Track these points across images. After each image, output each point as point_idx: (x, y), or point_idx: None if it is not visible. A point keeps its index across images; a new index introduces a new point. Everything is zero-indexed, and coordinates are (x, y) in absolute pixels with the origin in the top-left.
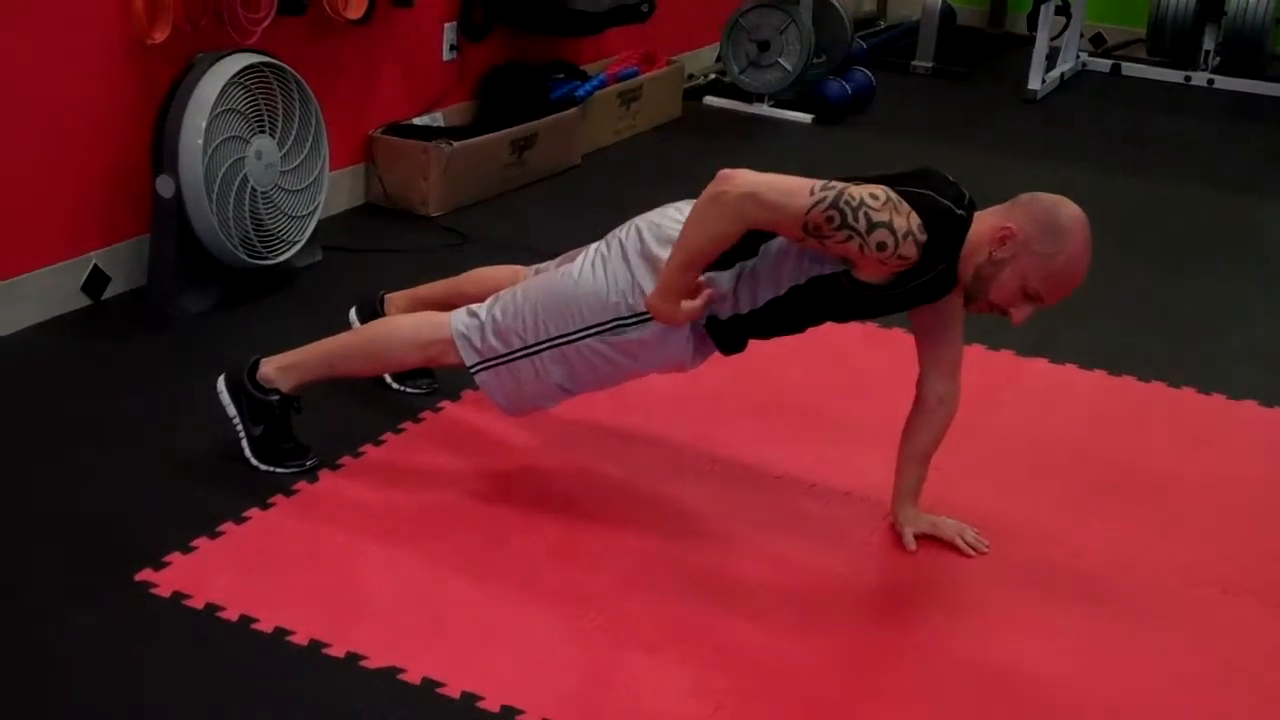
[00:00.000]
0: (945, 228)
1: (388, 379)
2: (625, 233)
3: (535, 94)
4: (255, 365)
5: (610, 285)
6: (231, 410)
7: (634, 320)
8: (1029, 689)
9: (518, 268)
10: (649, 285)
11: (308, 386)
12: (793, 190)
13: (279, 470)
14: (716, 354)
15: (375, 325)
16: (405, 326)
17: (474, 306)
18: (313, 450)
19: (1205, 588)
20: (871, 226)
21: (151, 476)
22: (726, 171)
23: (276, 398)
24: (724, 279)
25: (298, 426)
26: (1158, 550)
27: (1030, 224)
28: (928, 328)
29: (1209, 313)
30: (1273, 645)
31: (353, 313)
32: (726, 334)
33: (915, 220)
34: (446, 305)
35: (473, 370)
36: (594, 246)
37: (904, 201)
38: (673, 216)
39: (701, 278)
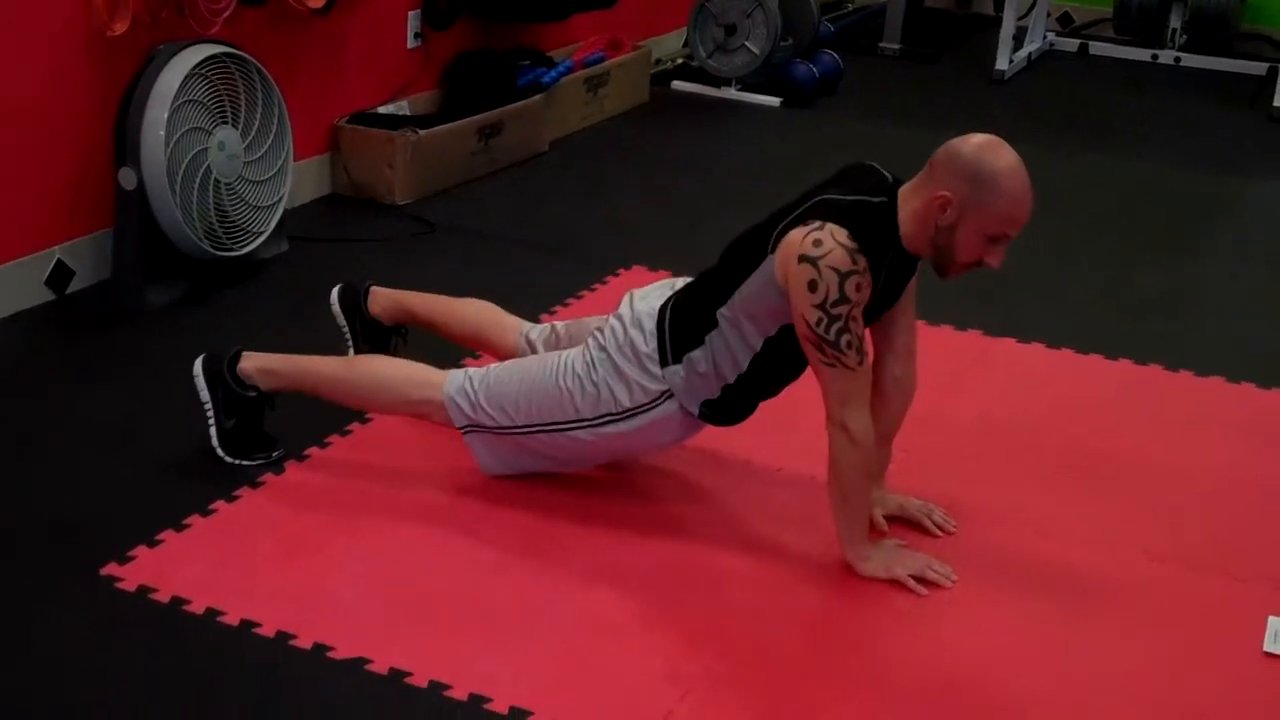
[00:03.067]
0: (867, 221)
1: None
2: (602, 341)
3: (501, 81)
4: (236, 357)
5: (601, 386)
6: (205, 396)
7: (623, 415)
8: (995, 670)
9: (510, 320)
10: (636, 376)
11: (283, 392)
12: (856, 372)
13: (245, 463)
14: None
15: (366, 365)
16: (398, 379)
17: (469, 373)
18: (279, 443)
19: (1173, 565)
20: (842, 294)
21: (117, 470)
22: (839, 421)
23: (254, 394)
24: (699, 358)
25: (265, 418)
26: (1124, 527)
27: (959, 182)
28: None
29: (1175, 291)
30: (1239, 620)
31: (334, 295)
32: (726, 409)
33: (841, 234)
34: (427, 324)
35: (462, 430)
36: (582, 349)
37: (836, 228)
38: (641, 320)
39: (681, 370)
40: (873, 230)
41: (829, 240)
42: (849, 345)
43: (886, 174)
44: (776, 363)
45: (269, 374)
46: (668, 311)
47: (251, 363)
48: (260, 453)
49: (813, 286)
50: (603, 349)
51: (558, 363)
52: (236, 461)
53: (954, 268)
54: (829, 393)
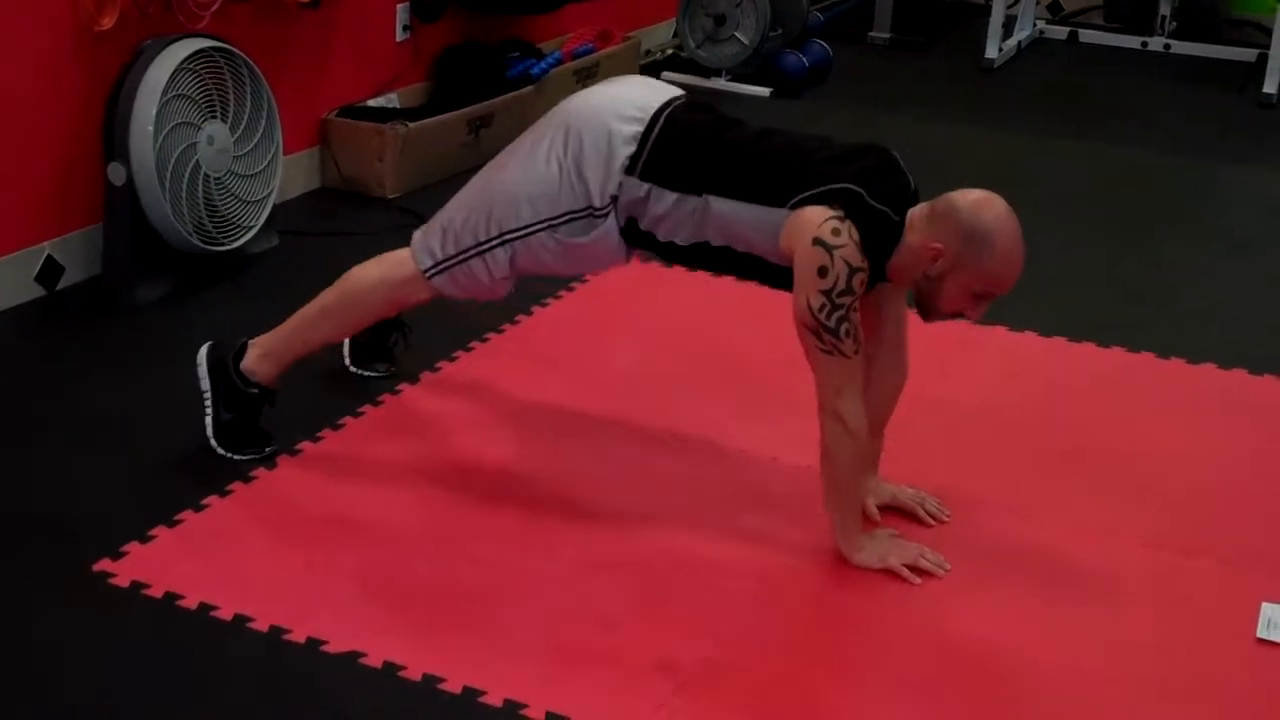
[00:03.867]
0: (881, 239)
1: (346, 362)
2: (576, 125)
3: (491, 73)
4: (243, 351)
5: (560, 181)
6: (205, 385)
7: (583, 214)
8: (989, 658)
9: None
10: (594, 182)
11: (288, 368)
12: (852, 360)
13: (236, 457)
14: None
15: (341, 288)
16: (376, 281)
17: (429, 222)
18: (273, 438)
19: (1167, 552)
20: (849, 286)
21: (109, 466)
22: (832, 410)
23: (256, 391)
24: (658, 200)
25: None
26: (1118, 515)
27: (954, 239)
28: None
29: (1168, 278)
30: (1232, 606)
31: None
32: (639, 239)
33: (856, 235)
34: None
35: (428, 273)
36: (540, 134)
37: (854, 228)
38: (633, 104)
39: (641, 189)
40: (879, 249)
41: (846, 235)
42: (847, 333)
43: (909, 181)
44: (712, 259)
45: (266, 357)
46: (661, 121)
47: (253, 354)
48: (253, 448)
49: (823, 273)
50: (568, 136)
51: (512, 155)
52: (229, 455)
53: (934, 313)
54: (824, 381)
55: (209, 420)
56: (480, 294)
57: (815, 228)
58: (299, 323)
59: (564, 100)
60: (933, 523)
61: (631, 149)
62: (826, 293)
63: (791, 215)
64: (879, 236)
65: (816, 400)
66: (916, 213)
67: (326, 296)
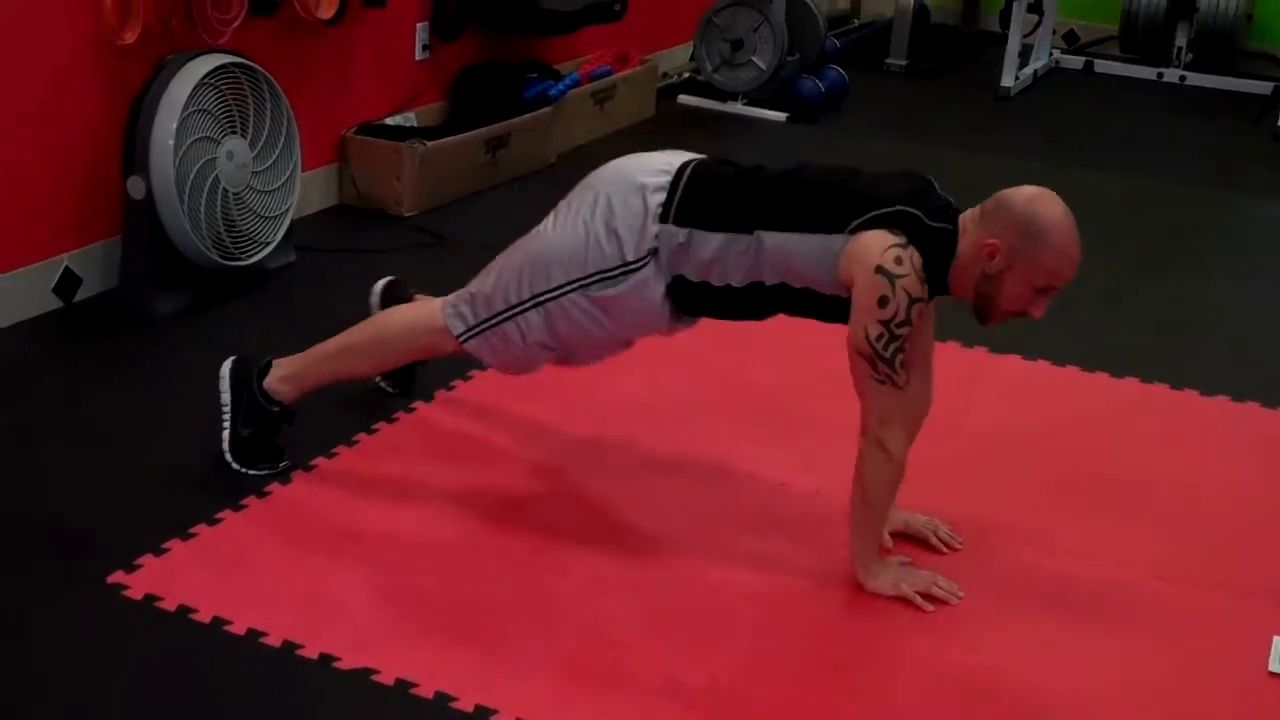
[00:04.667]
0: (938, 255)
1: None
2: (604, 188)
3: (508, 93)
4: (267, 369)
5: (590, 240)
6: (226, 399)
7: (617, 272)
8: (998, 686)
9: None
10: (629, 228)
11: (308, 393)
12: (903, 391)
13: (251, 472)
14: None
15: (373, 321)
16: (403, 327)
17: (463, 290)
18: (286, 454)
19: (1179, 583)
20: (908, 318)
21: (123, 478)
22: (876, 438)
23: (278, 409)
24: (706, 243)
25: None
26: (1131, 546)
27: (1011, 232)
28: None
29: (1181, 309)
30: (1243, 639)
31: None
32: (688, 300)
33: (918, 261)
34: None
35: (461, 339)
36: (569, 203)
37: (917, 254)
38: (655, 164)
39: (680, 234)
40: (938, 266)
41: (908, 264)
42: (901, 365)
43: (948, 198)
44: (768, 301)
45: (290, 380)
46: (688, 172)
47: (276, 374)
48: (266, 463)
49: (883, 303)
50: (596, 198)
51: (547, 222)
52: (243, 470)
53: (996, 315)
54: (871, 409)
55: (226, 434)
56: (519, 363)
57: (878, 255)
58: (325, 354)
59: (590, 174)
60: (945, 550)
61: (662, 196)
62: (886, 323)
63: (851, 241)
64: (940, 254)
65: (860, 425)
66: (966, 217)
67: (355, 335)
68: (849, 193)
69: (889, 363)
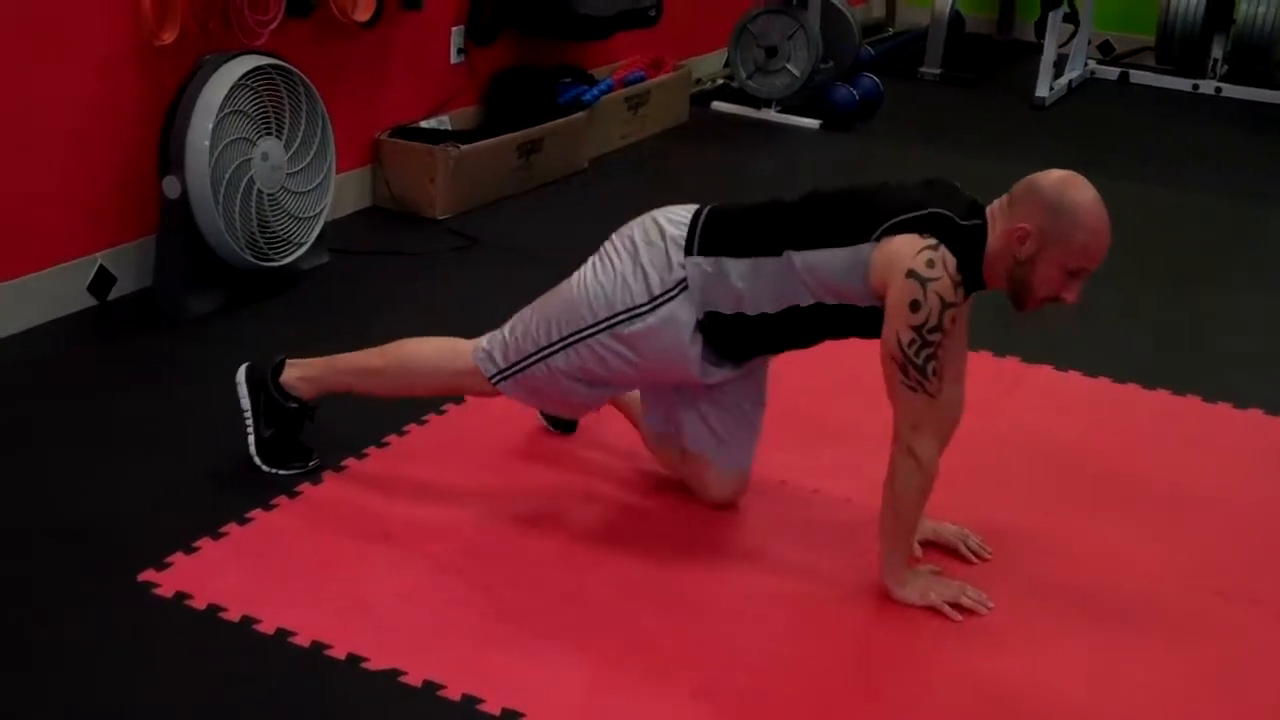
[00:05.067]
0: (971, 251)
1: None
2: (628, 232)
3: (542, 98)
4: (280, 367)
5: (617, 279)
6: (246, 404)
7: (640, 310)
8: (1027, 698)
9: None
10: (654, 265)
11: (327, 396)
12: (935, 398)
13: (281, 472)
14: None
15: (397, 352)
16: (431, 359)
17: (495, 332)
18: (315, 452)
19: (1206, 596)
20: (940, 323)
21: (154, 477)
22: (907, 445)
23: (295, 405)
24: (734, 270)
25: (304, 429)
26: (1159, 558)
27: (1040, 215)
28: None
29: (1215, 321)
30: (1273, 653)
31: None
32: (724, 337)
33: (952, 263)
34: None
35: (494, 380)
36: (599, 252)
37: (949, 255)
38: (674, 210)
39: (707, 264)
40: (971, 264)
41: (940, 266)
42: (934, 371)
43: (972, 197)
44: (807, 325)
45: (308, 380)
46: (705, 211)
47: (293, 372)
48: (296, 462)
49: (915, 307)
50: (622, 243)
51: (576, 273)
52: (272, 470)
53: (1031, 301)
54: (903, 416)
55: (251, 438)
56: (555, 405)
57: (909, 259)
58: (346, 366)
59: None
60: (974, 560)
61: (684, 230)
62: (918, 328)
63: (880, 246)
64: (973, 249)
65: (893, 432)
66: (994, 207)
67: (376, 359)
68: (874, 202)
69: (920, 369)
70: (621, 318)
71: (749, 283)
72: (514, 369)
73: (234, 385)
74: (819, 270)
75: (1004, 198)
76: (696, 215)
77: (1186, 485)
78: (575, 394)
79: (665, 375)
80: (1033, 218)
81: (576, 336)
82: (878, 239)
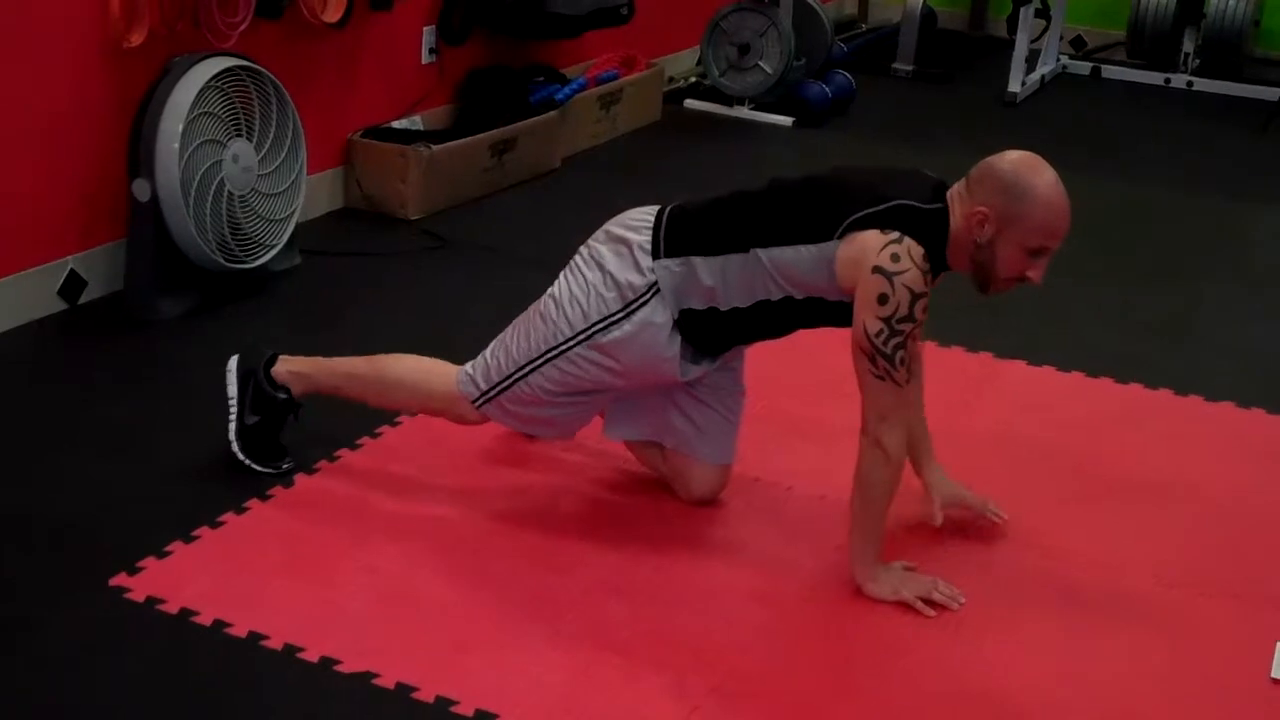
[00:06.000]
0: (935, 237)
1: None
2: (594, 244)
3: (515, 97)
4: (273, 360)
5: (590, 291)
6: (232, 391)
7: (614, 318)
8: (1002, 692)
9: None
10: (623, 272)
11: (313, 396)
12: (902, 389)
13: (256, 467)
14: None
15: (387, 364)
16: (419, 379)
17: (477, 358)
18: (290, 456)
19: (1182, 589)
20: (910, 313)
21: (126, 481)
22: (874, 435)
23: (284, 396)
24: (704, 267)
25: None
26: (1135, 552)
27: (996, 196)
28: None
29: (1187, 315)
30: (1247, 645)
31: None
32: (700, 332)
33: (918, 253)
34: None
35: (476, 404)
36: (568, 268)
37: (915, 245)
38: (634, 216)
39: (675, 265)
40: (937, 247)
41: (907, 258)
42: (902, 361)
43: (937, 178)
44: (778, 318)
45: (299, 377)
46: (666, 212)
47: (285, 366)
48: (271, 461)
49: (883, 300)
50: (590, 255)
51: (549, 290)
52: (247, 462)
53: (995, 283)
54: (870, 406)
55: (233, 424)
56: (540, 425)
57: (874, 256)
58: (333, 370)
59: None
60: (997, 520)
61: (648, 235)
62: (886, 319)
63: (843, 244)
64: (937, 233)
65: (860, 423)
66: (953, 192)
67: (362, 367)
68: (837, 195)
69: (889, 359)
70: (598, 327)
71: (718, 280)
72: (496, 389)
73: (213, 386)
74: (786, 266)
75: (963, 180)
76: (659, 217)
77: (1161, 479)
78: (558, 410)
79: (646, 379)
80: (990, 200)
81: (555, 351)
82: (841, 236)
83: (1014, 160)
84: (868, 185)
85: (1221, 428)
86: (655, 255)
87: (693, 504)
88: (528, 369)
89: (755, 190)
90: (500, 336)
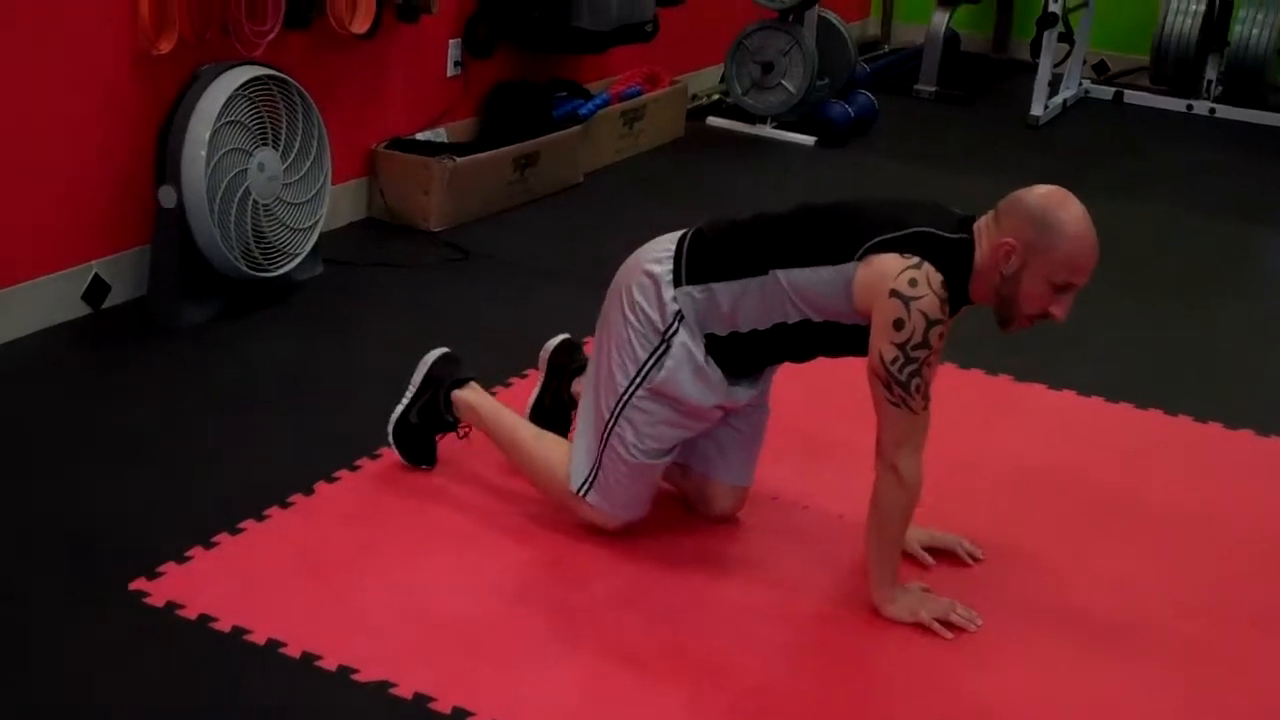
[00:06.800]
0: (958, 267)
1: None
2: (619, 288)
3: (538, 112)
4: (462, 384)
5: (628, 333)
6: (416, 379)
7: (660, 349)
8: (1015, 715)
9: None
10: (654, 312)
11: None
12: (919, 416)
13: (397, 451)
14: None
15: (548, 448)
16: (548, 460)
17: None
18: (436, 459)
19: (1201, 617)
20: (925, 340)
21: (147, 486)
22: (890, 461)
23: (451, 420)
24: (724, 292)
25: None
26: (1151, 578)
27: (1024, 228)
28: None
29: (1207, 341)
30: (1263, 674)
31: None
32: (727, 354)
33: (937, 280)
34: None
35: (581, 492)
36: (603, 316)
37: (935, 271)
38: (657, 248)
39: (697, 292)
40: (959, 278)
41: (924, 284)
42: (918, 389)
43: (963, 213)
44: (797, 341)
45: (471, 409)
46: (688, 239)
47: (465, 394)
48: (416, 459)
49: (899, 325)
50: (621, 298)
51: (596, 348)
52: (395, 448)
53: (1019, 319)
54: (886, 432)
55: (400, 409)
56: (636, 497)
57: (892, 279)
58: (498, 421)
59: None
60: (971, 562)
61: (669, 266)
62: (900, 345)
63: (862, 266)
64: (960, 264)
65: (876, 449)
66: (981, 224)
67: (512, 433)
68: (859, 220)
69: (904, 385)
70: (646, 367)
71: (738, 303)
72: (591, 472)
73: (233, 392)
74: (804, 288)
75: (991, 213)
76: (680, 245)
77: (1179, 506)
78: (645, 476)
79: (707, 413)
80: (1017, 232)
81: (621, 404)
82: (861, 258)
83: (1043, 194)
84: (891, 211)
85: (1241, 455)
86: (678, 283)
87: (711, 521)
88: (607, 432)
89: (778, 214)
90: (575, 425)
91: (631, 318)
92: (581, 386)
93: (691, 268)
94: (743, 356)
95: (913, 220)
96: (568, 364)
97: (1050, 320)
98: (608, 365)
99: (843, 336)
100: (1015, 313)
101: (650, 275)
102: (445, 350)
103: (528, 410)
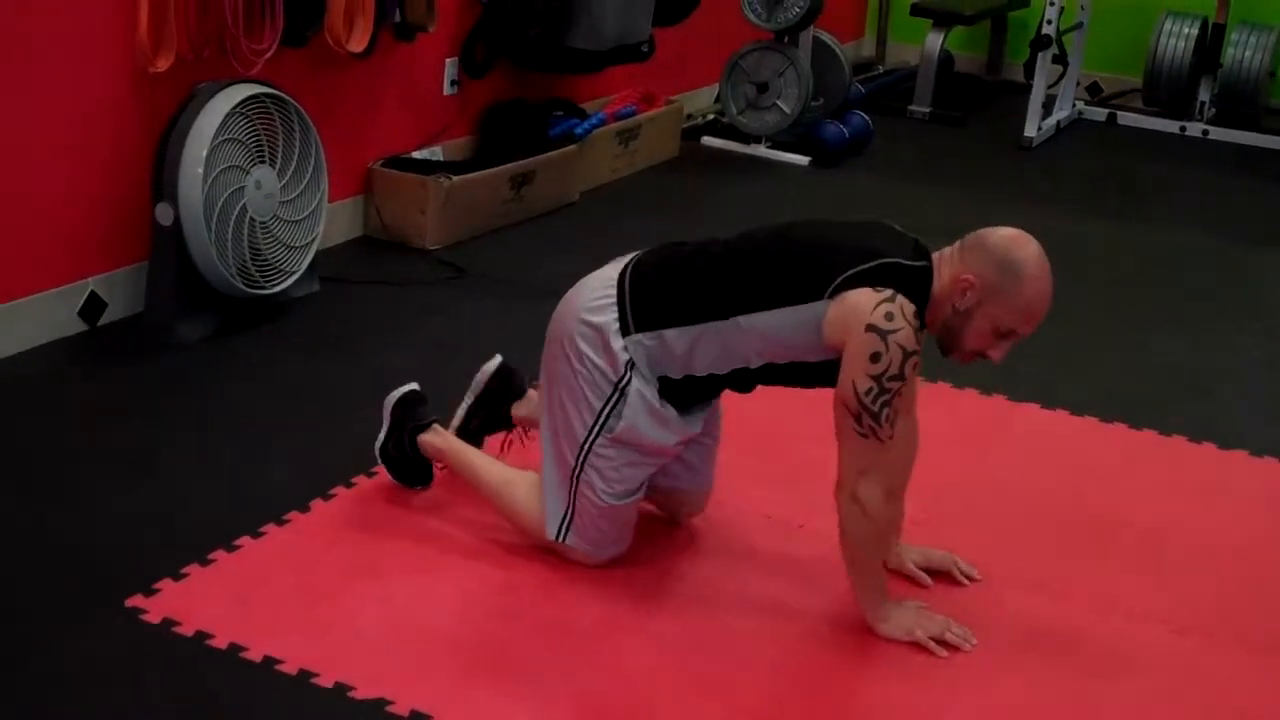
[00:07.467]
0: (923, 294)
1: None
2: (558, 332)
3: (534, 131)
4: (425, 428)
5: (579, 380)
6: (385, 418)
7: (614, 398)
8: None
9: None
10: (604, 363)
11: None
12: (885, 444)
13: (389, 473)
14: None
15: (516, 493)
16: (525, 502)
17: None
18: (430, 480)
19: (1195, 637)
20: (901, 372)
21: (143, 502)
22: (851, 491)
23: (420, 461)
24: (677, 338)
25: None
26: (1146, 596)
27: (986, 268)
28: None
29: (1201, 362)
30: (1263, 695)
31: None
32: (681, 394)
33: (910, 310)
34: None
35: (558, 539)
36: (544, 366)
37: (907, 303)
38: (593, 297)
39: (648, 339)
40: (922, 303)
41: (900, 317)
42: (888, 419)
43: (912, 235)
44: (754, 379)
45: (440, 453)
46: (627, 279)
47: (431, 438)
48: (409, 480)
49: (876, 358)
50: (565, 348)
51: (544, 400)
52: (385, 469)
53: (958, 352)
54: (849, 462)
55: (379, 440)
56: (617, 531)
57: (868, 314)
58: (467, 459)
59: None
60: (966, 581)
61: (614, 315)
62: (877, 377)
63: (835, 303)
64: (922, 292)
65: (836, 480)
66: (943, 255)
67: (485, 472)
68: (822, 253)
69: (875, 416)
70: (605, 415)
71: (693, 347)
72: (566, 519)
73: (229, 410)
74: (770, 333)
75: (956, 245)
76: (621, 287)
77: (1172, 525)
78: (621, 510)
79: (669, 450)
80: (979, 270)
81: (584, 453)
82: (832, 295)
83: (1011, 238)
84: (854, 242)
85: (1234, 476)
86: (625, 332)
87: (679, 522)
88: (575, 478)
89: (722, 249)
90: (541, 472)
91: (580, 369)
92: (522, 410)
93: (639, 313)
94: (698, 394)
95: (879, 250)
96: (504, 390)
97: (986, 360)
98: (564, 415)
99: (807, 373)
100: (957, 345)
101: (591, 325)
102: (408, 389)
103: (453, 429)
